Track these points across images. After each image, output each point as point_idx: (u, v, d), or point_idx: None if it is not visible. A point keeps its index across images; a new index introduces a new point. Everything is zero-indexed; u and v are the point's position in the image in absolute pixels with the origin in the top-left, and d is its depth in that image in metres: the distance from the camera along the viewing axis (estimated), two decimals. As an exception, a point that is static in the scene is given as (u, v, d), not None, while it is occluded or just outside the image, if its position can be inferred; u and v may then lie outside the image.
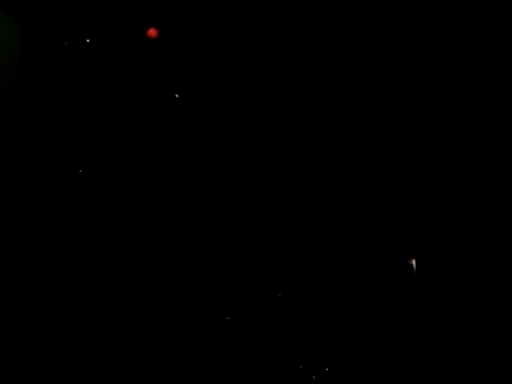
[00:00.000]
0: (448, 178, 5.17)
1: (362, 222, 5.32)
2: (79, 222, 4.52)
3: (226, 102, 5.37)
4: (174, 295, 4.74)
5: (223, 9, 4.95)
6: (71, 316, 4.30)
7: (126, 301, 4.53)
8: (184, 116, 5.17)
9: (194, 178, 5.17)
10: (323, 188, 5.41)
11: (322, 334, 4.92)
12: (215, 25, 5.05)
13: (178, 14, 4.98)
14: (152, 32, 4.97)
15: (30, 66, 4.33)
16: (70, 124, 4.56)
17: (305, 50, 5.14)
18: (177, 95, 5.13)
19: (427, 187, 5.24)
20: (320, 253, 5.26)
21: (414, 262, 5.13)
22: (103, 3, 4.69)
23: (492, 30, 4.87)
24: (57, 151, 4.53)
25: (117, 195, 4.77)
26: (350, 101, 5.27)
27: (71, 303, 4.32)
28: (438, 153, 5.21)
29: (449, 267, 4.97)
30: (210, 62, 5.27)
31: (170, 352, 4.44)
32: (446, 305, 4.85)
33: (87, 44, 4.74)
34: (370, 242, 5.25)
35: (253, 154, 5.35)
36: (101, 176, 4.70)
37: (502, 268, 4.74)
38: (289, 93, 5.35)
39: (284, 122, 5.37)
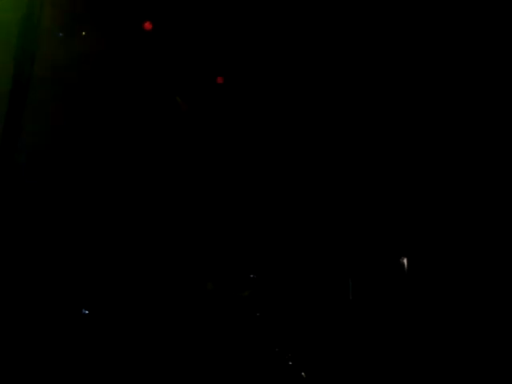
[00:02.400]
0: (438, 178, 5.21)
1: (354, 221, 5.34)
2: (81, 222, 4.49)
3: (226, 102, 5.32)
4: (171, 293, 4.74)
5: (223, 8, 4.87)
6: (71, 316, 4.28)
7: (125, 300, 4.52)
8: (183, 116, 5.12)
9: (194, 178, 5.14)
10: (316, 188, 5.41)
11: (312, 330, 4.96)
12: (216, 24, 4.97)
13: (178, 11, 4.90)
14: (147, 25, 4.94)
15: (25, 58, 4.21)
16: (66, 121, 4.48)
17: (305, 50, 5.10)
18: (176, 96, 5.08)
19: (418, 187, 5.27)
20: (312, 251, 5.28)
21: (405, 260, 5.18)
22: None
23: (492, 30, 4.86)
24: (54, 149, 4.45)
25: (118, 196, 4.73)
26: (348, 102, 5.26)
27: (71, 303, 4.30)
28: (429, 154, 5.24)
29: (440, 266, 5.02)
30: (210, 62, 5.20)
31: (165, 349, 4.45)
32: (438, 302, 4.92)
33: (83, 36, 4.63)
34: (362, 240, 5.28)
35: (252, 154, 5.33)
36: (101, 176, 4.66)
37: (493, 266, 4.81)
38: (289, 93, 5.32)
39: (284, 123, 5.34)
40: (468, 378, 4.46)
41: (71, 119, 4.59)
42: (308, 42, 5.10)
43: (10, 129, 4.02)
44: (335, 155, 5.38)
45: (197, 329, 4.65)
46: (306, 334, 4.88)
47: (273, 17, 4.98)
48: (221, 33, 5.06)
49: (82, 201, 4.63)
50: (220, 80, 5.26)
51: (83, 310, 4.46)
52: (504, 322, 4.59)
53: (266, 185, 5.40)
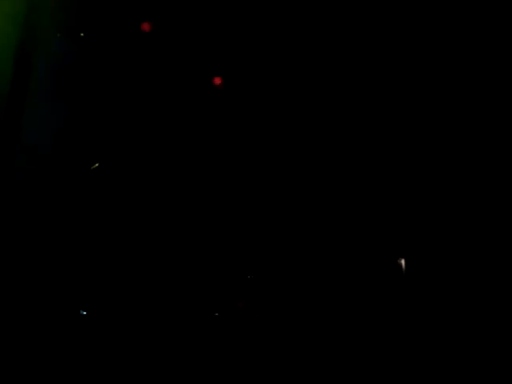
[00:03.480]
0: (436, 179, 5.21)
1: (352, 221, 5.34)
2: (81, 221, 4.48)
3: (225, 101, 5.31)
4: (170, 292, 4.74)
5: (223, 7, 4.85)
6: (71, 316, 4.27)
7: (124, 300, 4.52)
8: (182, 115, 5.11)
9: (194, 177, 5.14)
10: (315, 188, 5.41)
11: (310, 330, 4.96)
12: (215, 23, 4.96)
13: (177, 10, 4.88)
14: (145, 26, 4.93)
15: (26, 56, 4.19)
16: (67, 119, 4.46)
17: (304, 49, 5.09)
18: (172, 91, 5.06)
19: (416, 188, 5.27)
20: (311, 252, 5.28)
21: (403, 261, 5.19)
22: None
23: (492, 30, 4.86)
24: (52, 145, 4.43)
25: (118, 194, 4.71)
26: (349, 101, 5.25)
27: (71, 303, 4.28)
28: (427, 154, 5.24)
29: (437, 266, 5.03)
30: (209, 61, 5.19)
31: (164, 348, 4.45)
32: (435, 303, 4.93)
33: (81, 38, 4.61)
34: (360, 241, 5.28)
35: (252, 153, 5.32)
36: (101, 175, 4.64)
37: (491, 267, 4.82)
38: (288, 92, 5.31)
39: (283, 122, 5.33)
40: (467, 379, 4.47)
41: (71, 118, 4.57)
42: (308, 41, 5.09)
43: (8, 128, 4.01)
44: (334, 155, 5.37)
45: (196, 329, 4.64)
46: (304, 334, 4.88)
47: (272, 17, 4.97)
48: (220, 33, 5.05)
49: (83, 200, 4.62)
50: (218, 81, 5.25)
51: (81, 311, 4.45)
52: (503, 322, 4.60)
53: (265, 184, 5.40)
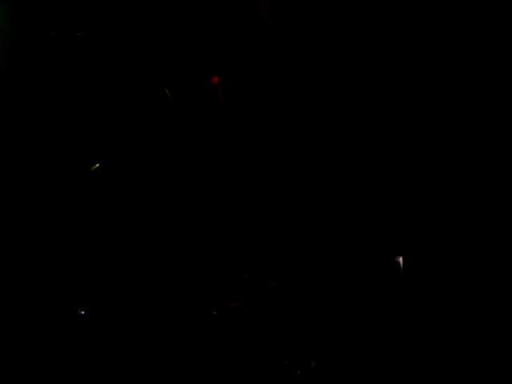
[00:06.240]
0: (434, 176, 5.22)
1: (348, 219, 5.35)
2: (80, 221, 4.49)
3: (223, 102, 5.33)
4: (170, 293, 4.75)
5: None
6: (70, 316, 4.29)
7: (124, 301, 4.53)
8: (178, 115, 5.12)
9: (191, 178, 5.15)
10: (312, 186, 5.42)
11: (308, 329, 4.96)
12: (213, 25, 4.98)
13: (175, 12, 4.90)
14: (214, 79, 5.08)
15: (20, 52, 4.20)
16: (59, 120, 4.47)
17: (303, 49, 5.11)
18: (167, 90, 5.08)
19: (414, 185, 5.28)
20: (305, 250, 5.29)
21: (400, 259, 5.20)
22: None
23: (492, 30, 4.88)
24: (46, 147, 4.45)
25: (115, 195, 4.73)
26: (348, 101, 5.27)
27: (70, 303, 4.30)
28: (424, 151, 5.25)
29: (436, 265, 5.04)
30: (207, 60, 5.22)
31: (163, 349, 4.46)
32: (434, 303, 4.93)
33: (77, 37, 4.62)
34: (356, 239, 5.29)
35: (249, 153, 5.34)
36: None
37: (490, 266, 4.82)
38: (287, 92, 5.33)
39: (281, 122, 5.35)
40: (466, 379, 4.47)
41: (59, 118, 4.58)
42: (307, 40, 5.11)
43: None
44: (331, 154, 5.39)
45: (197, 330, 4.65)
46: (296, 331, 4.89)
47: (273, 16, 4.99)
48: (218, 31, 5.07)
49: (81, 200, 4.64)
50: (215, 80, 5.27)
51: (80, 311, 4.46)
52: (504, 322, 4.59)
53: (264, 184, 5.41)
